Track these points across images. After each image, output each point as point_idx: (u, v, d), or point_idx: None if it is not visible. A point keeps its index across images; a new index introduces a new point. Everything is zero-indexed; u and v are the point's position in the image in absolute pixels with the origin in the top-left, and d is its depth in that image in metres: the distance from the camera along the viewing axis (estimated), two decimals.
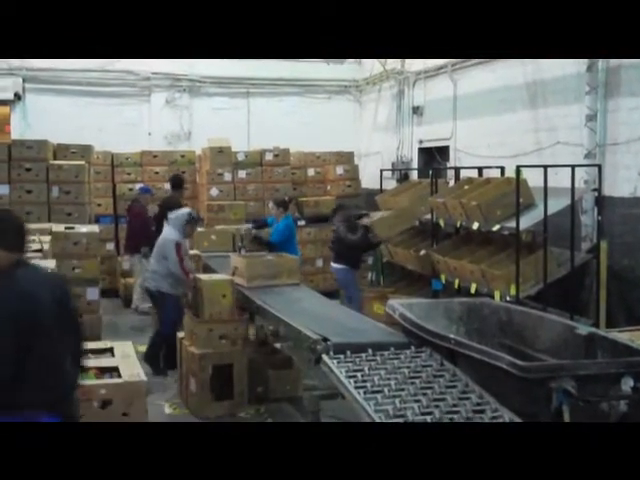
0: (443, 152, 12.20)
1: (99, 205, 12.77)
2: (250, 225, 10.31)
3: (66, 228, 7.51)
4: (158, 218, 11.32)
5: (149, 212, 11.78)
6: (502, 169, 9.35)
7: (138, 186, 12.70)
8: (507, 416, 4.10)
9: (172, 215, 8.37)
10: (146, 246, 11.49)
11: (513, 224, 7.73)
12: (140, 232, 11.49)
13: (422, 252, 9.65)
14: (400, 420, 4.06)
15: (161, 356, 8.21)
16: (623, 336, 5.31)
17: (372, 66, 14.61)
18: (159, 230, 11.14)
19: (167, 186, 13.38)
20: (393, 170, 13.49)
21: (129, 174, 13.48)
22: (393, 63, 13.62)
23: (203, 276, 7.53)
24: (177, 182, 11.95)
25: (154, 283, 8.17)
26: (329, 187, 13.86)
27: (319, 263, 13.01)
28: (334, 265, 9.89)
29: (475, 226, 8.26)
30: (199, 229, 10.84)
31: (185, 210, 8.64)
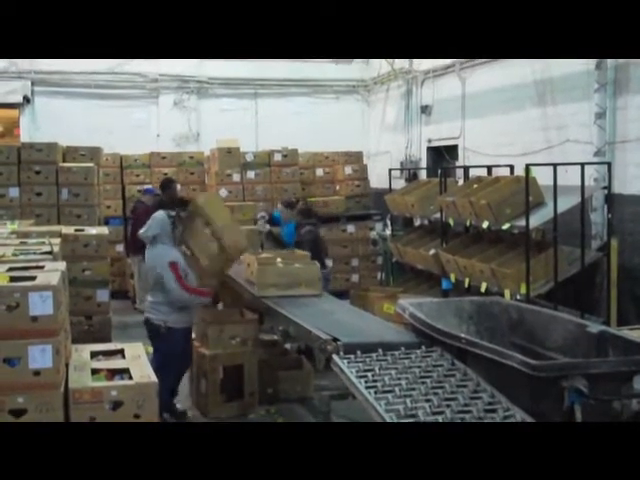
0: (452, 151, 12.18)
1: (108, 207, 12.82)
2: (264, 214, 10.25)
3: (76, 230, 7.50)
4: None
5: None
6: (511, 167, 9.32)
7: (145, 187, 12.75)
8: (519, 415, 4.08)
9: (146, 229, 6.73)
10: None
11: (523, 223, 7.70)
12: None
13: (432, 251, 9.63)
14: (411, 420, 4.05)
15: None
16: (634, 334, 5.28)
17: (380, 66, 14.60)
18: None
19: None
20: (402, 169, 13.48)
21: (138, 176, 13.53)
22: (401, 62, 13.61)
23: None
24: (163, 184, 11.50)
25: (146, 314, 6.85)
26: (338, 187, 13.84)
27: (329, 263, 12.97)
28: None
29: (485, 225, 8.23)
30: None
31: (159, 214, 6.84)
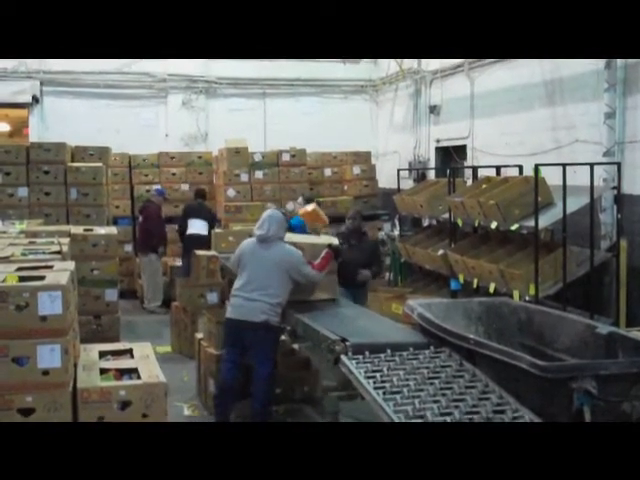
0: (460, 151, 12.16)
1: (117, 207, 12.88)
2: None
3: (85, 230, 7.52)
4: (182, 220, 11.72)
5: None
6: (520, 168, 9.29)
7: (155, 187, 12.79)
8: (528, 416, 4.07)
9: (267, 229, 6.46)
10: (163, 246, 11.83)
11: (532, 223, 7.68)
12: (156, 232, 11.70)
13: (440, 252, 9.61)
14: (420, 421, 4.04)
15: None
16: None
17: (388, 65, 14.59)
18: (182, 233, 11.77)
19: (184, 187, 13.56)
20: (410, 170, 13.46)
21: (146, 175, 13.58)
22: (409, 62, 13.59)
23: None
24: (201, 193, 12.38)
25: (264, 316, 6.28)
26: (346, 187, 13.85)
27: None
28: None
29: (493, 225, 8.21)
30: (217, 230, 10.89)
31: (273, 212, 6.75)
